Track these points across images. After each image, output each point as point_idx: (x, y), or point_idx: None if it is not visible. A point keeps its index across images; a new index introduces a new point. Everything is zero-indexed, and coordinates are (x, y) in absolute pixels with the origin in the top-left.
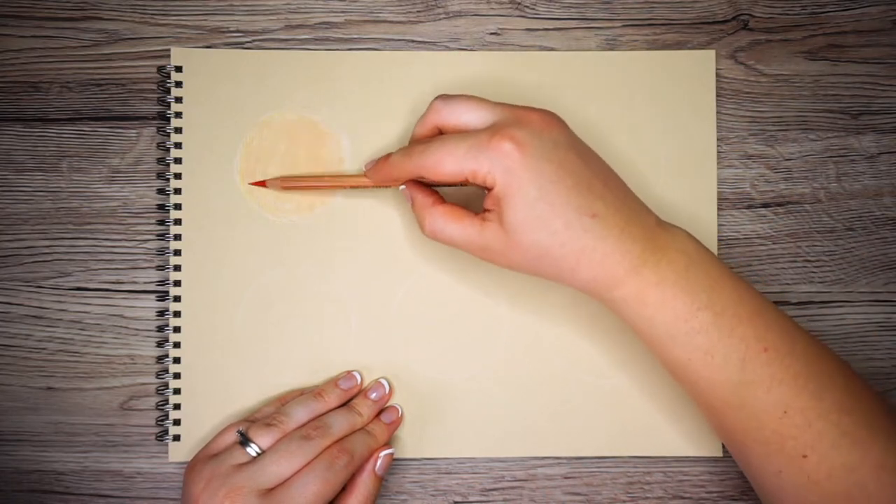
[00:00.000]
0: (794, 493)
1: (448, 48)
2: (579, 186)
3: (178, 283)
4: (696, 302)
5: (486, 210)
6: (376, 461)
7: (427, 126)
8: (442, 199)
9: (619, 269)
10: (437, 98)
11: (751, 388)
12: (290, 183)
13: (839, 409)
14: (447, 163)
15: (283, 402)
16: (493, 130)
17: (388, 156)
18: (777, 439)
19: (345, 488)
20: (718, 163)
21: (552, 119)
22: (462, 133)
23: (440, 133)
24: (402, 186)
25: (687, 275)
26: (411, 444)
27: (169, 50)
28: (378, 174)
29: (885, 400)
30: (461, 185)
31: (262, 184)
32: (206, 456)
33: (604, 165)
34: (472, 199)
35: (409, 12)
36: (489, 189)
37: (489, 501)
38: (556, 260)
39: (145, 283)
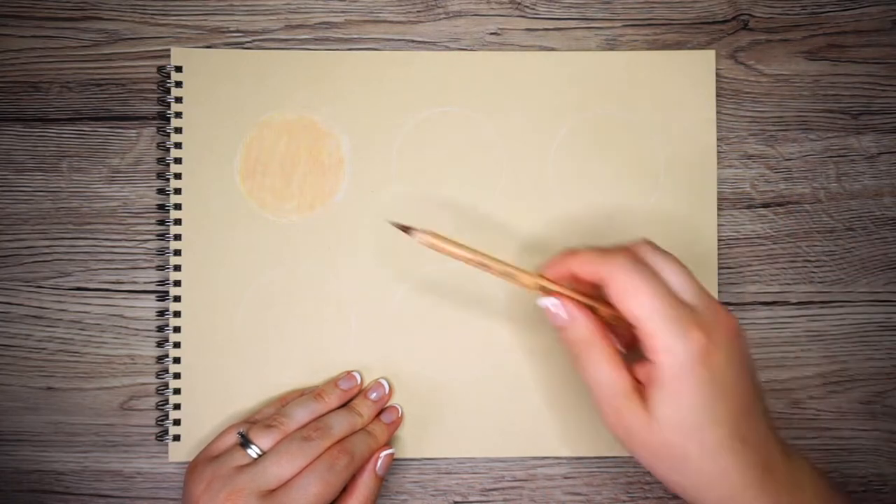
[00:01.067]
0: None
1: (448, 48)
2: (742, 409)
3: (178, 283)
4: None
5: (638, 379)
6: (377, 461)
7: (623, 249)
8: (610, 335)
9: (745, 496)
10: (645, 240)
11: None
12: (439, 243)
13: None
14: (643, 303)
15: (284, 402)
16: (698, 318)
17: (574, 251)
18: None
19: (345, 489)
20: (718, 163)
21: (740, 330)
22: (667, 289)
23: (626, 262)
24: (553, 302)
25: None
26: (411, 444)
27: (169, 50)
28: (557, 267)
29: None
30: (607, 311)
31: (405, 229)
32: (207, 457)
33: (761, 389)
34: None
35: (409, 12)
36: (652, 362)
37: (489, 501)
38: (690, 472)
39: (145, 283)
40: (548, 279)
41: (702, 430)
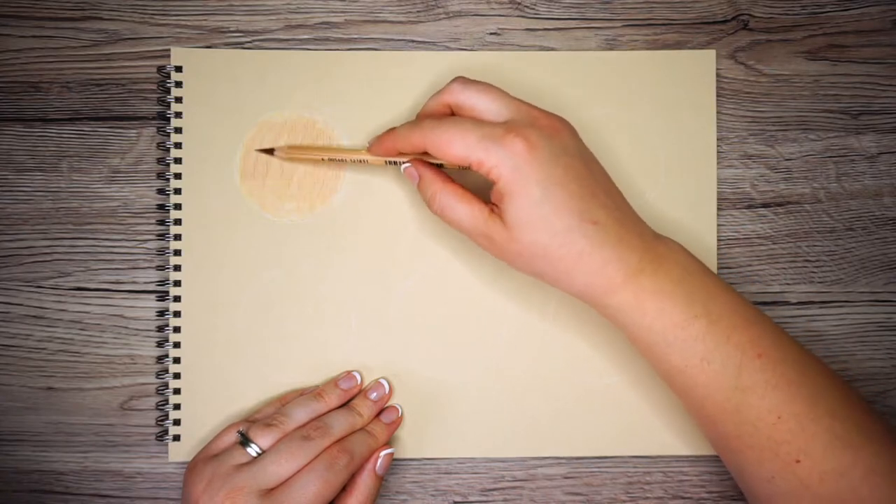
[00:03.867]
0: (786, 499)
1: (448, 48)
2: (583, 193)
3: (178, 283)
4: (693, 310)
5: (492, 203)
6: (377, 461)
7: (440, 103)
8: (452, 179)
9: (617, 276)
10: (456, 79)
11: (746, 393)
12: (295, 153)
13: (832, 414)
14: (457, 145)
15: (284, 402)
16: (508, 127)
17: (393, 129)
18: (771, 444)
19: (345, 488)
20: (718, 163)
21: (564, 125)
22: (476, 120)
23: (452, 113)
24: (406, 165)
25: (683, 284)
26: (411, 444)
27: (169, 50)
28: (382, 146)
29: (874, 408)
30: (461, 168)
31: (269, 151)
32: (207, 456)
33: (607, 176)
34: (481, 187)
35: (409, 12)
36: (494, 182)
37: (489, 501)
38: (554, 261)
39: (145, 283)
40: (389, 154)
41: (548, 220)
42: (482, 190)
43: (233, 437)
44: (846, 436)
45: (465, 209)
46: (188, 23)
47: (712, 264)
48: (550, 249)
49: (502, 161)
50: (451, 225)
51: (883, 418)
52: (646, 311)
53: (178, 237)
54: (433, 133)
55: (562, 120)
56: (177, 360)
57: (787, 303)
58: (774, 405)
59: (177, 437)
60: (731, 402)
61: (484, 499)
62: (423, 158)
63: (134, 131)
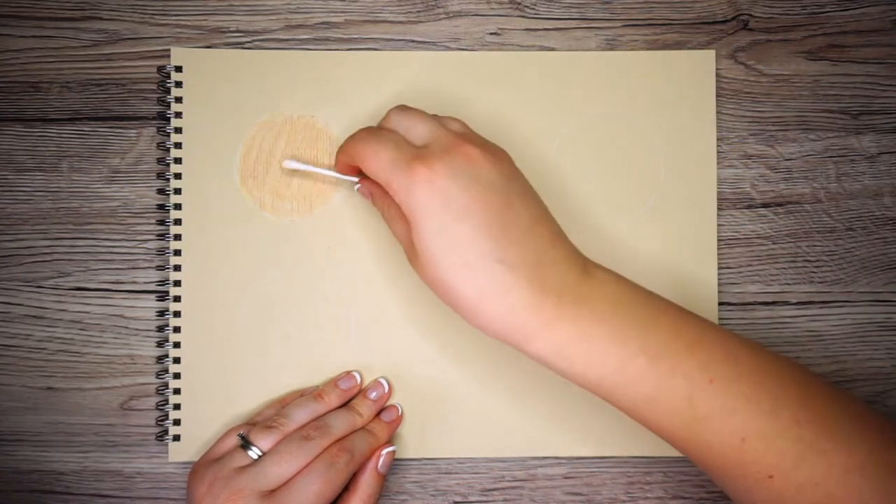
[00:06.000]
0: None
1: (448, 48)
2: (490, 229)
3: (178, 283)
4: (628, 350)
5: None
6: (378, 459)
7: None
8: None
9: (529, 324)
10: (395, 107)
11: (704, 422)
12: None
13: (797, 423)
14: (372, 163)
15: (284, 404)
16: (417, 153)
17: (340, 147)
18: (740, 465)
19: (348, 487)
20: (718, 163)
21: (483, 155)
22: (401, 141)
23: (360, 136)
24: (357, 186)
25: (613, 322)
26: (412, 443)
27: (169, 50)
28: (338, 164)
29: (844, 394)
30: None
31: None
32: (209, 460)
33: (532, 210)
34: None
35: (409, 12)
36: (399, 207)
37: (489, 501)
38: (459, 300)
39: (145, 283)
40: (345, 171)
41: (446, 254)
42: None
43: (233, 440)
44: (816, 443)
45: (400, 228)
46: (188, 23)
47: (712, 264)
48: (451, 286)
49: (403, 188)
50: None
51: (853, 403)
52: (573, 361)
53: (178, 237)
54: (359, 146)
55: (486, 149)
56: (177, 360)
57: (787, 303)
58: (736, 428)
59: (177, 437)
60: (692, 433)
61: (484, 499)
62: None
63: (134, 131)
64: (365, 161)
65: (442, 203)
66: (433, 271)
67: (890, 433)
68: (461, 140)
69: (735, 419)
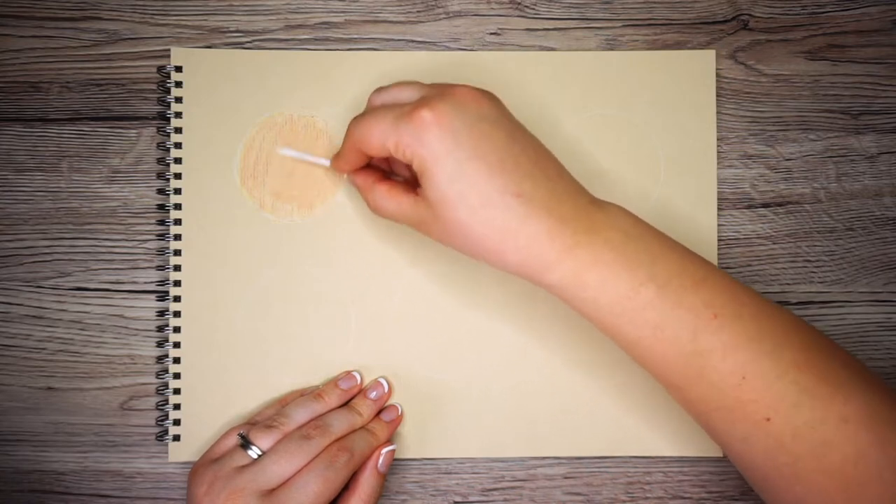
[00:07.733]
0: (764, 457)
1: (448, 48)
2: (503, 164)
3: (178, 283)
4: (638, 277)
5: (418, 185)
6: (378, 458)
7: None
8: (384, 176)
9: (550, 252)
10: (373, 91)
11: (706, 357)
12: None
13: (797, 367)
14: (375, 134)
15: (284, 403)
16: (417, 102)
17: (339, 151)
18: (739, 405)
19: (348, 486)
20: (718, 163)
21: (480, 94)
22: (394, 105)
23: (353, 122)
24: (346, 175)
25: (625, 251)
26: (412, 443)
27: (169, 50)
28: (333, 162)
29: (842, 350)
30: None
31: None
32: (209, 460)
33: (535, 144)
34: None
35: (409, 12)
36: (410, 163)
37: (489, 501)
38: (479, 240)
39: (145, 283)
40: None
41: (464, 195)
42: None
43: (233, 440)
44: (814, 388)
45: (392, 203)
46: (188, 23)
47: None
48: (472, 227)
49: (412, 137)
50: (392, 220)
51: (854, 360)
52: (587, 286)
53: (178, 237)
54: (356, 132)
55: (479, 89)
56: (177, 360)
57: (787, 303)
58: (737, 366)
59: (177, 437)
60: (693, 368)
61: (484, 499)
62: (356, 166)
63: (134, 131)
64: (370, 137)
65: (453, 142)
66: (453, 217)
67: (887, 390)
68: (452, 85)
69: (736, 356)
